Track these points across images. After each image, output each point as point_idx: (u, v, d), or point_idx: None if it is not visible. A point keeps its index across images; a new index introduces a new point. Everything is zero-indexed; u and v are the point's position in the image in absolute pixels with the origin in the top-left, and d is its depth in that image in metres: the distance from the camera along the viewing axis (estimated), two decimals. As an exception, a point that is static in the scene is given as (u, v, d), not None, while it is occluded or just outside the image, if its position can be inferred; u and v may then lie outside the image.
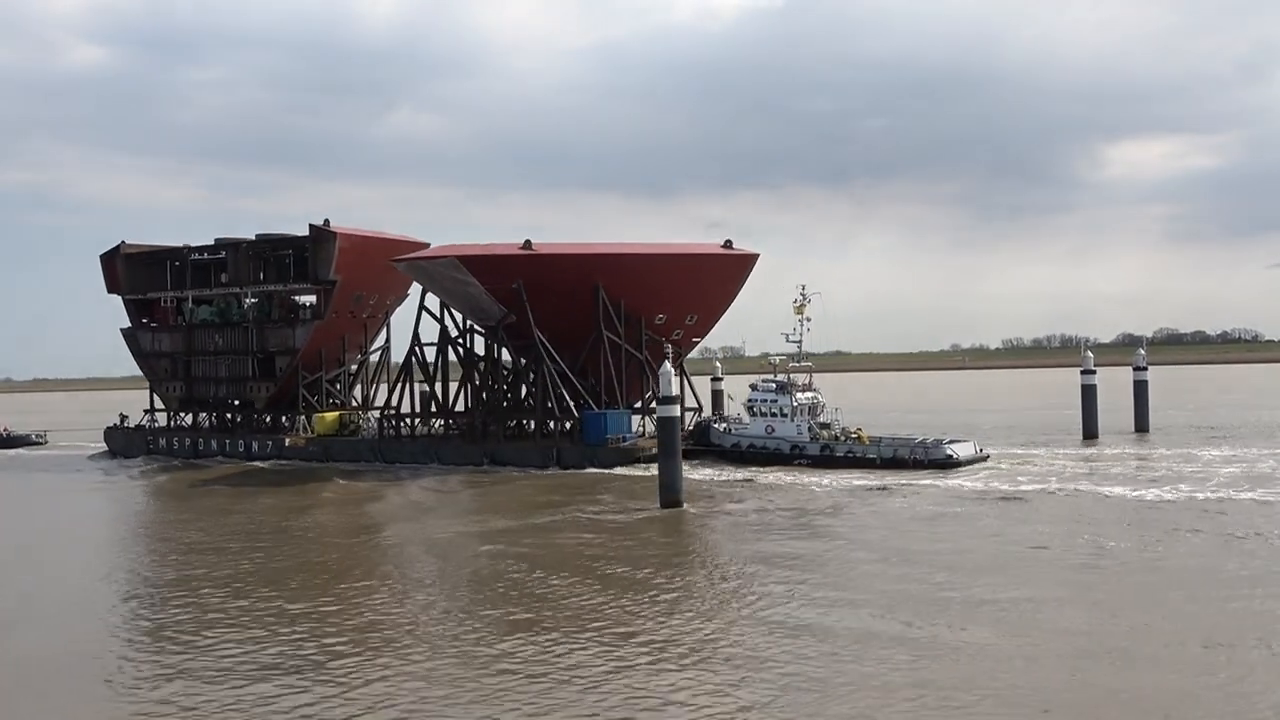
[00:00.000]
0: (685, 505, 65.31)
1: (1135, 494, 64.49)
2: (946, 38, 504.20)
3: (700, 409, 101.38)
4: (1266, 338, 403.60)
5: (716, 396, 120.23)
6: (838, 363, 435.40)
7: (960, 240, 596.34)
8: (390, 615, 40.56)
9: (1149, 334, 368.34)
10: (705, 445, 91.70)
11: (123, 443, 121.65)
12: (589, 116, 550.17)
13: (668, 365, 69.48)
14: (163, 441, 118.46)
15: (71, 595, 47.16)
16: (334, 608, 41.94)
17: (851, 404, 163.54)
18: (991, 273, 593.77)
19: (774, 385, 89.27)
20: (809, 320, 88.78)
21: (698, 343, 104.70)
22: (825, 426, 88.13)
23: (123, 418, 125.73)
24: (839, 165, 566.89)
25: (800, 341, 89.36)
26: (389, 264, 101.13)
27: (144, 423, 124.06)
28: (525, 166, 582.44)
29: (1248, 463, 77.78)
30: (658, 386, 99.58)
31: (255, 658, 34.92)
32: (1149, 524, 54.32)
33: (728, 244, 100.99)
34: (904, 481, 72.94)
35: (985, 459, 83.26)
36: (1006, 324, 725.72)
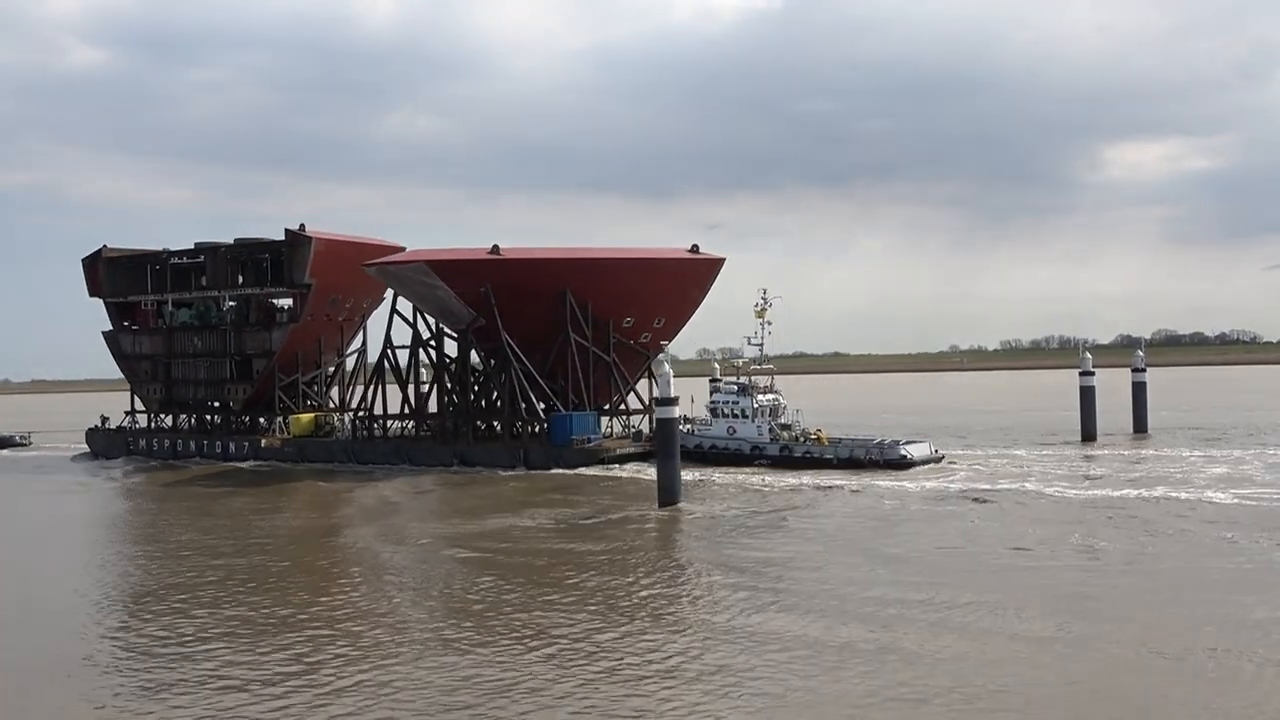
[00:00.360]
0: (682, 505, 65.75)
1: (1116, 494, 65.01)
2: (946, 40, 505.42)
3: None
4: (1265, 339, 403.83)
5: None
6: (836, 364, 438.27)
7: (959, 241, 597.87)
8: (369, 618, 40.53)
9: (1147, 335, 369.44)
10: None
11: (104, 444, 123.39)
12: (589, 118, 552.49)
13: (666, 367, 69.06)
14: (142, 443, 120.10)
15: (38, 599, 47.62)
16: (296, 614, 41.81)
17: (846, 405, 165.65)
18: (990, 274, 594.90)
19: (736, 387, 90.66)
20: (770, 324, 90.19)
21: (666, 345, 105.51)
22: (786, 428, 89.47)
23: (104, 419, 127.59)
24: (839, 167, 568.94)
25: (762, 344, 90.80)
26: (361, 268, 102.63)
27: (125, 424, 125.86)
28: (525, 168, 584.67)
29: (1230, 464, 78.17)
30: (625, 387, 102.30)
31: (226, 667, 34.70)
32: (1121, 524, 54.79)
33: (694, 248, 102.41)
34: (893, 483, 73.40)
35: (940, 459, 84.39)
36: (1005, 325, 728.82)
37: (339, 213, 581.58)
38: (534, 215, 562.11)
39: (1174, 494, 64.18)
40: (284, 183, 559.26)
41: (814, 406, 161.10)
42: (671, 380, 68.23)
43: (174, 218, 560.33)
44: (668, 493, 66.24)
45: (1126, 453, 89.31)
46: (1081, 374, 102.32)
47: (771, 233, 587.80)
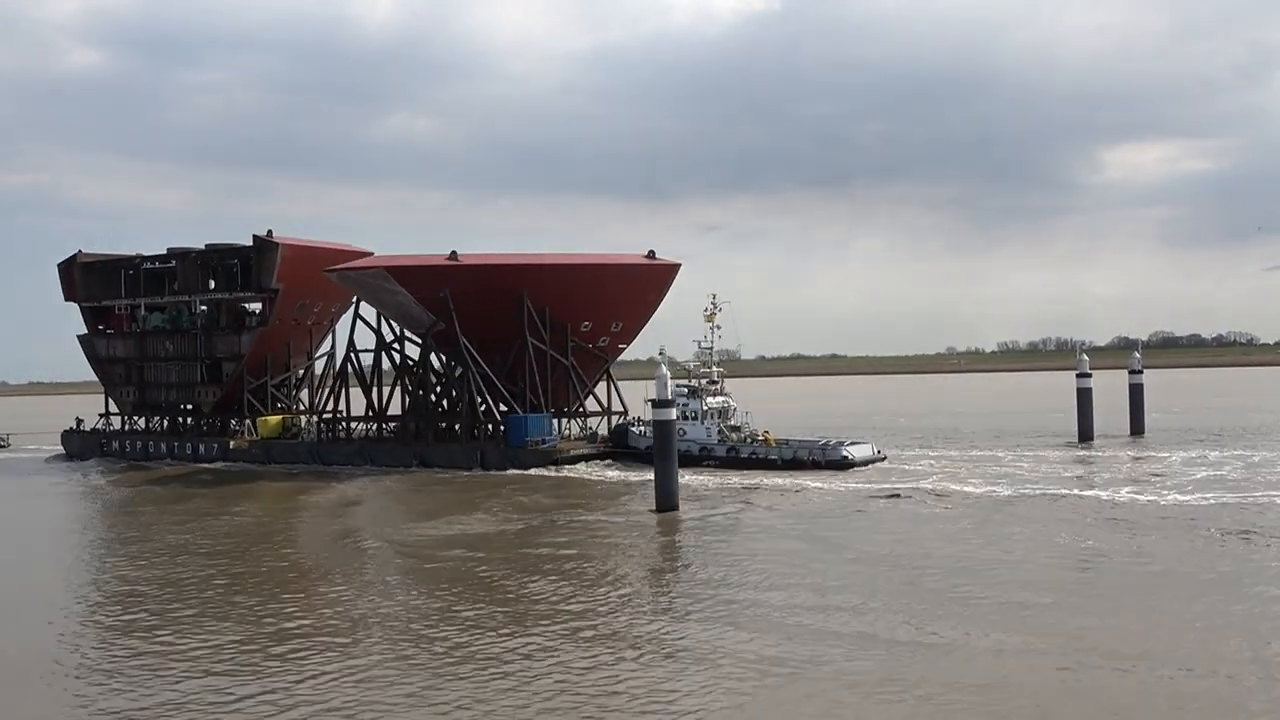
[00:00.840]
0: (680, 509, 64.44)
1: (1106, 495, 65.27)
2: (944, 42, 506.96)
3: (625, 412, 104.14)
4: (1261, 340, 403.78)
5: None
6: (834, 365, 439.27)
7: (957, 243, 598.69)
8: (322, 622, 40.52)
9: (1144, 337, 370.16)
10: (623, 447, 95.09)
11: (78, 445, 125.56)
12: (587, 120, 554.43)
13: (664, 369, 68.24)
14: (115, 444, 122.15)
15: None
16: (245, 621, 41.35)
17: (842, 408, 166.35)
18: (988, 276, 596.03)
19: (686, 390, 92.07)
20: (719, 328, 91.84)
21: (624, 349, 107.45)
22: (735, 429, 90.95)
23: (79, 421, 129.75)
24: (837, 169, 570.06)
25: (711, 348, 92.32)
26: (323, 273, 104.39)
27: (99, 426, 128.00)
28: (523, 170, 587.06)
29: (1223, 465, 78.14)
30: (583, 390, 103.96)
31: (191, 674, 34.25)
32: (1106, 525, 54.97)
33: (650, 254, 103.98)
34: (881, 484, 73.88)
35: (883, 459, 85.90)
36: (1002, 327, 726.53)
37: (340, 215, 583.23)
38: (532, 217, 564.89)
39: (1167, 495, 63.92)
40: (284, 185, 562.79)
41: (807, 409, 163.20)
42: (669, 382, 67.10)
43: (174, 220, 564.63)
44: (666, 495, 64.31)
45: (1121, 454, 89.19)
46: (1079, 376, 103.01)
47: (770, 234, 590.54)
